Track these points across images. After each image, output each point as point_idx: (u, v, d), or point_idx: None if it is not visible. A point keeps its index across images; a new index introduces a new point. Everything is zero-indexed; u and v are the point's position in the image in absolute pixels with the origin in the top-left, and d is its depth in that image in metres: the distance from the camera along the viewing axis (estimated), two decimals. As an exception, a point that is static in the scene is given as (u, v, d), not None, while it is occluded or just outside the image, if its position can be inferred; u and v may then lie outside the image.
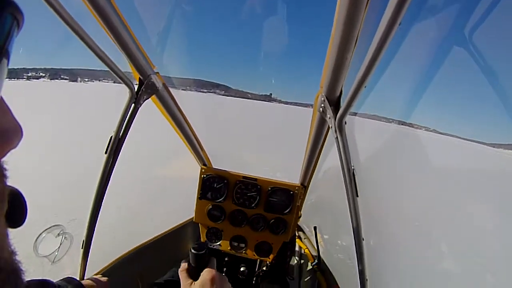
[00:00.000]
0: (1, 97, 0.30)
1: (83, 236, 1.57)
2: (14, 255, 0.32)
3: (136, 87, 1.37)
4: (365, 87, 0.94)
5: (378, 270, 1.73)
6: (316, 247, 2.25)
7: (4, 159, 0.31)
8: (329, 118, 1.21)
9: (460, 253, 5.48)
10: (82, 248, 1.58)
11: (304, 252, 2.52)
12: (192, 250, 0.94)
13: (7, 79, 0.30)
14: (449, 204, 8.44)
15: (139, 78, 1.34)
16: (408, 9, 0.64)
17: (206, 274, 0.91)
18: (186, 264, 0.97)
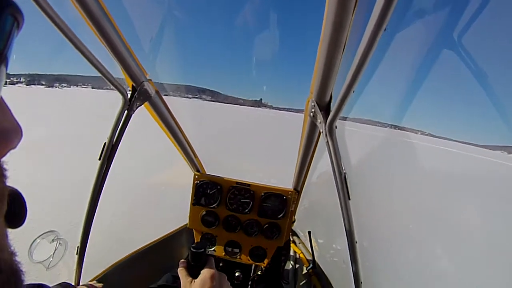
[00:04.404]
0: (1, 97, 0.30)
1: (77, 242, 1.57)
2: (14, 256, 0.32)
3: (129, 94, 1.38)
4: (353, 91, 0.97)
5: (372, 273, 1.75)
6: (310, 252, 2.26)
7: (4, 159, 0.31)
8: (320, 122, 1.23)
9: (453, 255, 5.53)
10: (77, 254, 1.58)
11: (299, 256, 2.53)
12: (192, 249, 0.97)
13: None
14: (441, 206, 8.53)
15: (132, 85, 1.35)
16: (394, 14, 0.67)
17: (206, 272, 0.93)
18: (185, 262, 0.99)
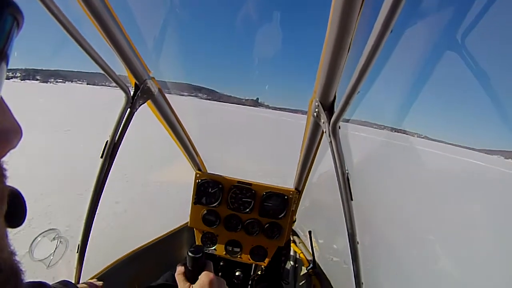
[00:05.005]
0: (1, 97, 0.30)
1: (78, 240, 1.56)
2: (14, 256, 0.32)
3: (131, 92, 1.38)
4: (358, 92, 0.96)
5: (373, 274, 1.75)
6: (311, 251, 2.26)
7: (4, 159, 0.31)
8: (323, 122, 1.23)
9: (454, 255, 5.55)
10: (77, 252, 1.57)
11: (299, 256, 2.52)
12: (189, 253, 0.94)
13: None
14: (442, 207, 8.57)
15: (135, 83, 1.34)
16: (400, 16, 0.66)
17: (204, 277, 0.91)
18: (183, 267, 0.96)
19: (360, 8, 0.72)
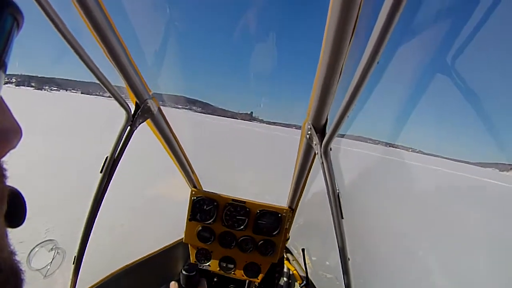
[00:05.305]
0: (1, 97, 0.30)
1: (74, 252, 1.57)
2: (14, 256, 0.33)
3: (132, 110, 1.42)
4: (347, 116, 1.03)
5: (365, 289, 1.77)
6: (304, 268, 2.27)
7: (3, 159, 0.31)
8: (315, 144, 1.29)
9: (448, 270, 5.55)
10: (73, 264, 1.58)
11: (293, 273, 2.53)
12: (183, 272, 0.96)
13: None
14: (435, 223, 8.61)
15: (136, 102, 1.39)
16: (389, 44, 0.71)
17: None
18: (176, 285, 0.97)
19: (351, 36, 0.78)
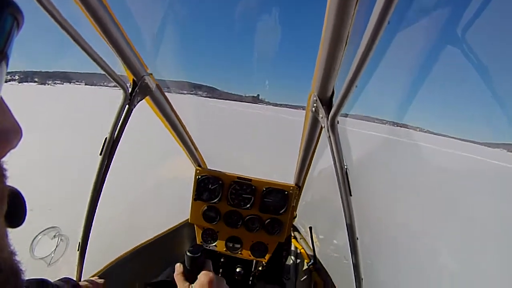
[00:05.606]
0: (1, 97, 0.30)
1: (79, 238, 1.57)
2: (14, 255, 0.33)
3: (130, 89, 1.37)
4: (356, 86, 0.96)
5: (373, 268, 1.75)
6: (311, 247, 2.26)
7: (4, 159, 0.31)
8: (322, 117, 1.22)
9: (454, 251, 5.55)
10: (78, 250, 1.58)
11: (300, 252, 2.53)
12: (188, 253, 0.93)
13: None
14: (442, 202, 8.57)
15: (133, 80, 1.34)
16: (397, 9, 0.65)
17: (204, 276, 0.90)
18: (182, 267, 0.95)
19: (356, 2, 0.72)
